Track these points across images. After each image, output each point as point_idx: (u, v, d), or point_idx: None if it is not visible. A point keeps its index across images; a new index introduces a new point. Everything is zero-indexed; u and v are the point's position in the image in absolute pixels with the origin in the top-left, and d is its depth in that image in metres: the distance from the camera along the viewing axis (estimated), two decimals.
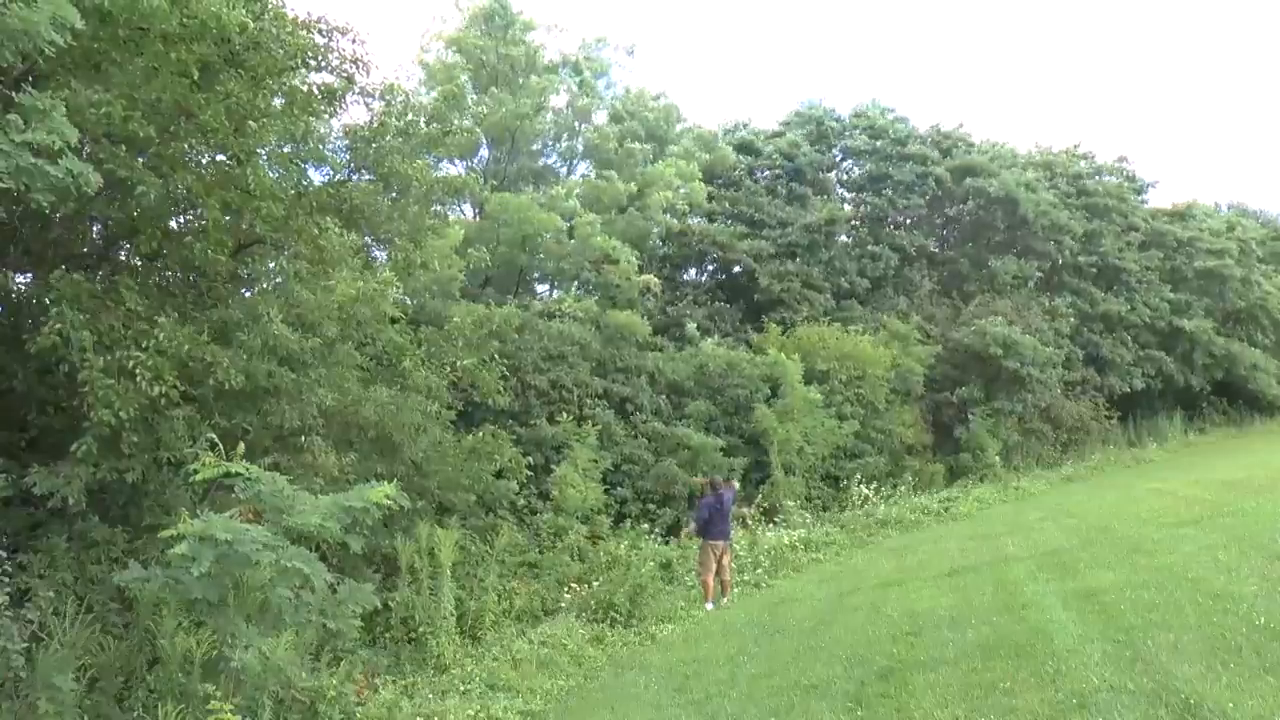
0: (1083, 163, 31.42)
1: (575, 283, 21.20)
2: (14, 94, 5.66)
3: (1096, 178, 30.82)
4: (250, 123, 8.43)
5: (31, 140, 5.29)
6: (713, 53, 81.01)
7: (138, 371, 7.51)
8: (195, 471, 7.04)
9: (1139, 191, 32.25)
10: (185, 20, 7.39)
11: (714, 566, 12.39)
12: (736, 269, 24.61)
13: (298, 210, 9.24)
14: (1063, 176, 29.99)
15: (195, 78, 7.81)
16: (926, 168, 26.63)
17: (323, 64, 9.74)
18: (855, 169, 27.89)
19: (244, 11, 7.96)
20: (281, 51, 8.85)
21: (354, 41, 9.94)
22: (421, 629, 10.04)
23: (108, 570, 7.78)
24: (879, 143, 27.08)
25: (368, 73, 10.15)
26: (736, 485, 15.06)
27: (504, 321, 13.95)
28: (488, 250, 15.87)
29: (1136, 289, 29.44)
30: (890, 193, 26.61)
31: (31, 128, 5.29)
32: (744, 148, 26.48)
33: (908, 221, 27.68)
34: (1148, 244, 30.36)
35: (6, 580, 6.96)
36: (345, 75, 9.88)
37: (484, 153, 21.70)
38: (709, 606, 12.10)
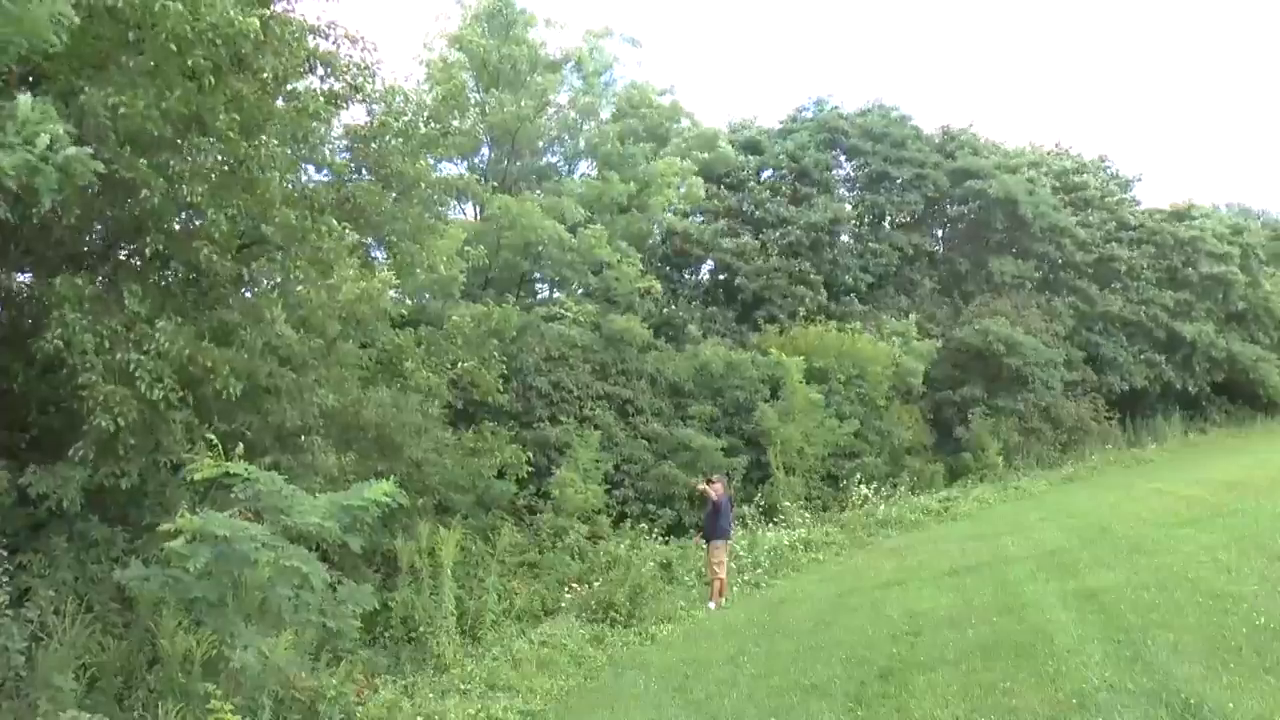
0: (1068, 160, 31.49)
1: (576, 285, 21.15)
2: (14, 94, 5.58)
3: (1081, 174, 30.92)
4: (262, 136, 8.40)
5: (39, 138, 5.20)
6: (716, 50, 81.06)
7: (138, 374, 7.49)
8: (193, 472, 7.04)
9: (1124, 187, 32.27)
10: (194, 22, 7.35)
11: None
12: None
13: (302, 211, 9.23)
14: (1050, 174, 30.05)
15: (204, 81, 7.77)
16: (924, 170, 26.68)
17: (330, 73, 9.71)
18: (856, 170, 27.91)
19: (254, 19, 7.92)
20: (288, 57, 8.81)
21: (364, 50, 9.92)
22: (421, 629, 10.04)
23: (107, 570, 7.77)
24: (879, 145, 27.09)
25: (374, 81, 10.14)
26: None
27: (503, 320, 13.93)
28: (489, 253, 15.84)
29: (1130, 287, 29.43)
30: (889, 192, 26.63)
31: (30, 127, 5.21)
32: (749, 146, 26.47)
33: (907, 220, 27.70)
34: (1140, 241, 30.34)
35: (6, 580, 6.95)
36: (353, 84, 9.85)
37: (485, 152, 21.65)
38: (711, 606, 12.12)
